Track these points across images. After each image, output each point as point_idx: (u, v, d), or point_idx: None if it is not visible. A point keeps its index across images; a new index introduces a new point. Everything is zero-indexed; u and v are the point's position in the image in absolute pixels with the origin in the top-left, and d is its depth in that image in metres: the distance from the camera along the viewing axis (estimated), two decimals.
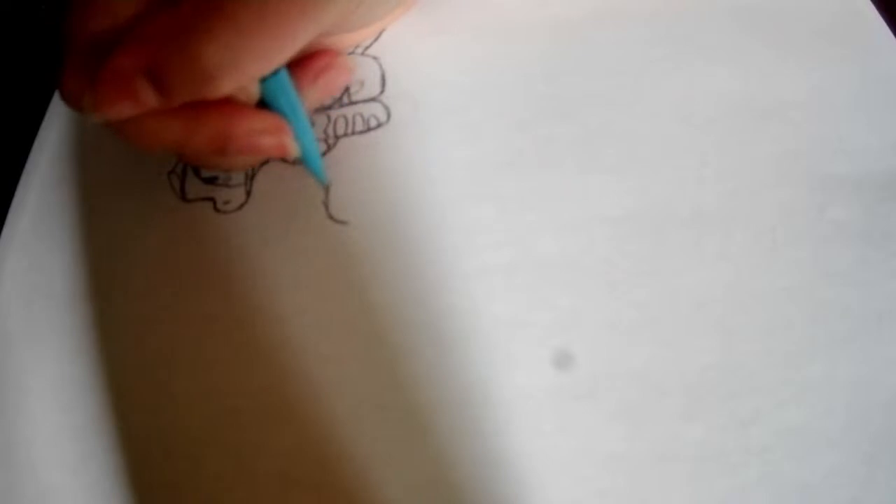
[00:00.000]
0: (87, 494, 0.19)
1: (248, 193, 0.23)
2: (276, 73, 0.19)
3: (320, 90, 0.22)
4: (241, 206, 0.23)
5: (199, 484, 0.19)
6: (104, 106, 0.18)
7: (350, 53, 0.25)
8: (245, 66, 0.18)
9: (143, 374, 0.20)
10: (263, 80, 0.20)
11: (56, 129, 0.26)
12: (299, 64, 0.21)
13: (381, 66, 0.25)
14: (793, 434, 0.17)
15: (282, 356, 0.20)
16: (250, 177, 0.23)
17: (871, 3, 0.24)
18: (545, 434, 0.18)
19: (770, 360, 0.18)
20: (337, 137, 0.23)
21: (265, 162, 0.23)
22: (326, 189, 0.22)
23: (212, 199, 0.23)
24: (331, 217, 0.22)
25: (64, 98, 0.19)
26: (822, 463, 0.17)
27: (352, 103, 0.24)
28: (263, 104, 0.20)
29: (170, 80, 0.18)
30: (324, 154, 0.23)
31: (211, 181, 0.23)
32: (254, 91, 0.20)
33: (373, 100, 0.24)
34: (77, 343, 0.21)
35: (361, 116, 0.24)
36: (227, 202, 0.23)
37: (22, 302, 0.22)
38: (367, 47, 0.25)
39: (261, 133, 0.20)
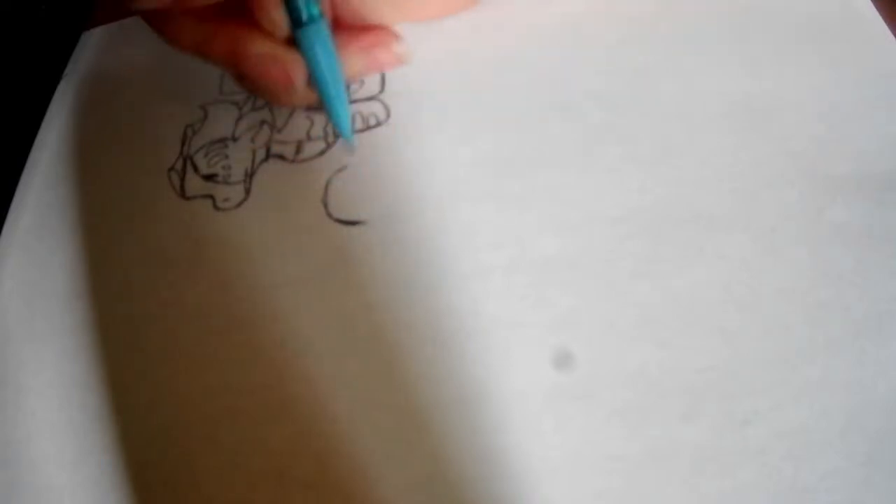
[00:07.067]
0: (86, 492, 0.19)
1: (248, 191, 0.23)
2: (314, 22, 0.21)
3: (361, 60, 0.23)
4: (240, 204, 0.23)
5: (198, 481, 0.19)
6: None
7: None
8: None
9: (142, 371, 0.20)
10: (301, 28, 0.21)
11: (56, 128, 0.26)
12: (350, 34, 0.22)
13: None
14: (791, 435, 0.17)
15: (280, 354, 0.20)
16: (249, 174, 0.23)
17: (871, 3, 0.24)
18: (543, 433, 0.18)
19: (769, 360, 0.18)
20: (336, 135, 0.23)
21: (265, 160, 0.23)
22: (351, 152, 0.22)
23: (211, 197, 0.23)
24: (329, 215, 0.22)
25: None
26: (821, 464, 0.17)
27: (351, 102, 0.24)
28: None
29: None
30: (323, 152, 0.23)
31: (210, 178, 0.23)
32: (281, 24, 0.21)
33: (373, 98, 0.24)
34: (76, 341, 0.21)
35: (361, 115, 0.24)
36: (226, 199, 0.23)
37: (22, 300, 0.22)
38: None
39: (271, 59, 0.21)
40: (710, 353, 0.19)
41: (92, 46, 0.28)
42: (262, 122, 0.24)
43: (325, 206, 0.22)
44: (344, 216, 0.22)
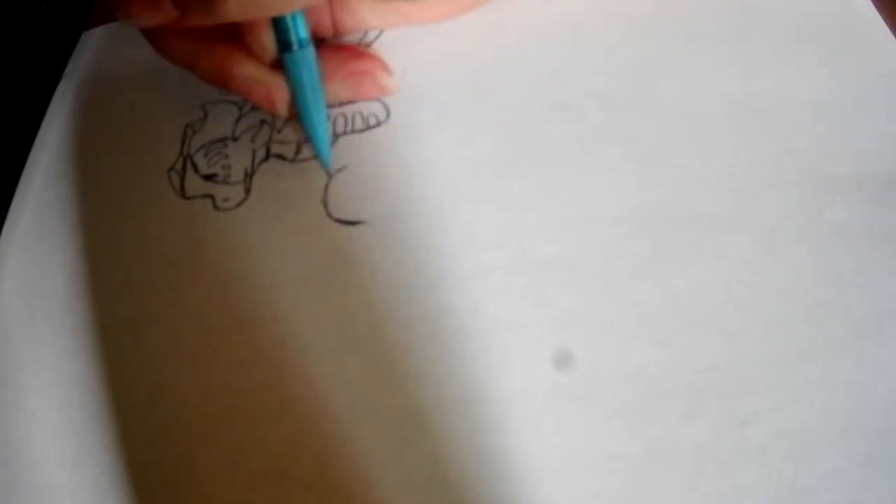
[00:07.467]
0: (86, 492, 0.19)
1: (248, 191, 0.23)
2: (302, 48, 0.21)
3: (347, 89, 0.23)
4: (240, 204, 0.23)
5: (198, 481, 0.19)
6: (134, 13, 0.21)
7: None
8: None
9: (142, 371, 0.20)
10: (288, 53, 0.21)
11: (56, 128, 0.26)
12: (338, 59, 0.23)
13: None
14: (791, 435, 0.17)
15: (280, 354, 0.20)
16: (249, 174, 0.23)
17: (871, 3, 0.24)
18: (543, 433, 0.18)
19: (769, 360, 0.18)
20: (336, 135, 0.23)
21: (265, 160, 0.23)
22: (328, 175, 0.23)
23: (211, 197, 0.23)
24: (329, 215, 0.22)
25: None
26: (820, 465, 0.17)
27: (351, 102, 0.24)
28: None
29: None
30: None
31: (210, 178, 0.23)
32: (269, 47, 0.21)
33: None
34: (76, 341, 0.21)
35: (361, 115, 0.24)
36: (226, 199, 0.23)
37: (22, 300, 0.22)
38: (367, 45, 0.25)
39: (255, 82, 0.22)
40: (710, 353, 0.19)
41: (92, 46, 0.28)
42: (262, 122, 0.24)
43: (325, 206, 0.22)
44: (344, 216, 0.22)
